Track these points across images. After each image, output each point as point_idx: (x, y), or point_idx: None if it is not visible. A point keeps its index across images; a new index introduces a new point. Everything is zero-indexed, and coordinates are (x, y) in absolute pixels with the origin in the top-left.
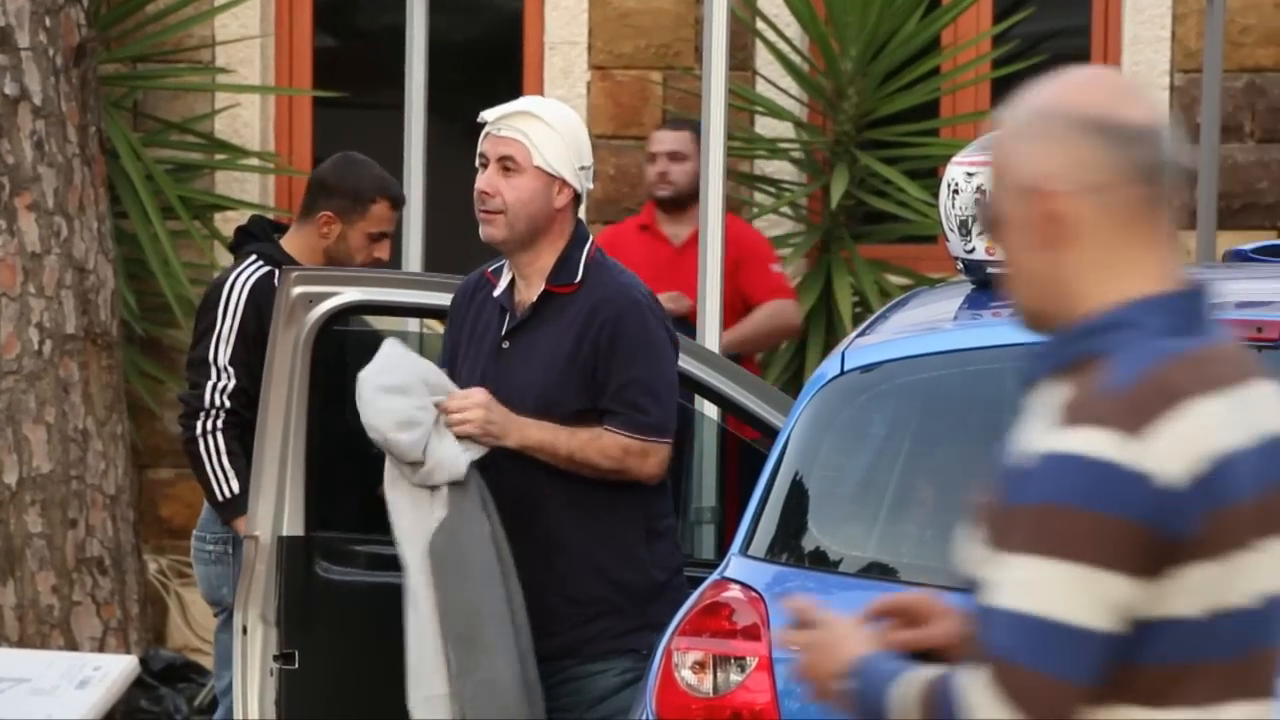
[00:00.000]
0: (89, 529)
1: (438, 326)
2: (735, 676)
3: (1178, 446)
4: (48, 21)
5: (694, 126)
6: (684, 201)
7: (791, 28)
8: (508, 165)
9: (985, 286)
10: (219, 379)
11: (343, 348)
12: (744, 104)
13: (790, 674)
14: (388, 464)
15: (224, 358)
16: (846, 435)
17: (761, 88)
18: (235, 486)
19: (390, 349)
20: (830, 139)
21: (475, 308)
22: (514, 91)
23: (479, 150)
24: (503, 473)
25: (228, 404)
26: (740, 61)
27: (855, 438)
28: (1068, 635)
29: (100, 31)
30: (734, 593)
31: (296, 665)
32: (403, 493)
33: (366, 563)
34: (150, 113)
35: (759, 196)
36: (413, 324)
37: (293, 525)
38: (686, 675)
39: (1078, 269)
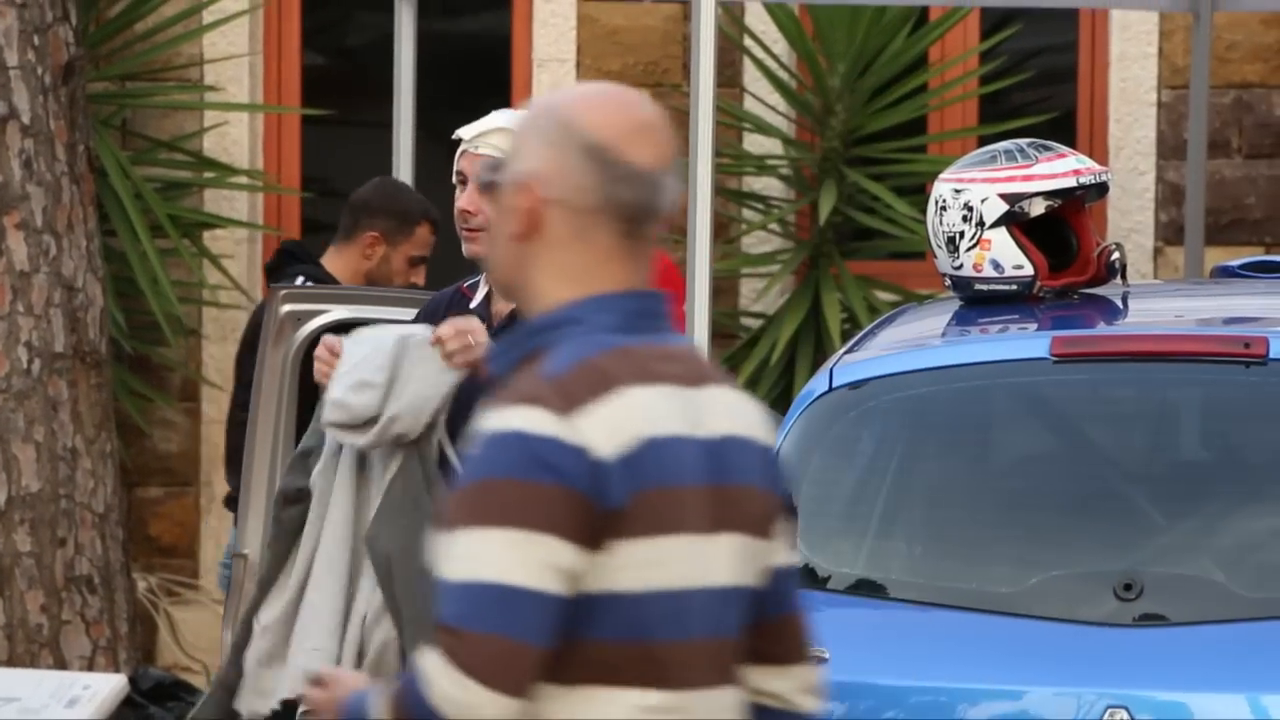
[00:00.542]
0: (78, 547)
1: None
2: None
3: (607, 426)
4: (36, 40)
5: None
6: None
7: (779, 45)
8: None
9: (973, 303)
10: None
11: None
12: (732, 121)
13: None
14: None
15: None
16: (835, 452)
17: (749, 104)
18: None
19: (349, 348)
20: (818, 155)
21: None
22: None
23: (456, 168)
24: None
25: None
26: (728, 78)
27: (843, 454)
28: (515, 597)
29: (89, 50)
30: None
31: None
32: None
33: None
34: (139, 131)
35: (747, 213)
36: None
37: None
38: None
39: (544, 267)
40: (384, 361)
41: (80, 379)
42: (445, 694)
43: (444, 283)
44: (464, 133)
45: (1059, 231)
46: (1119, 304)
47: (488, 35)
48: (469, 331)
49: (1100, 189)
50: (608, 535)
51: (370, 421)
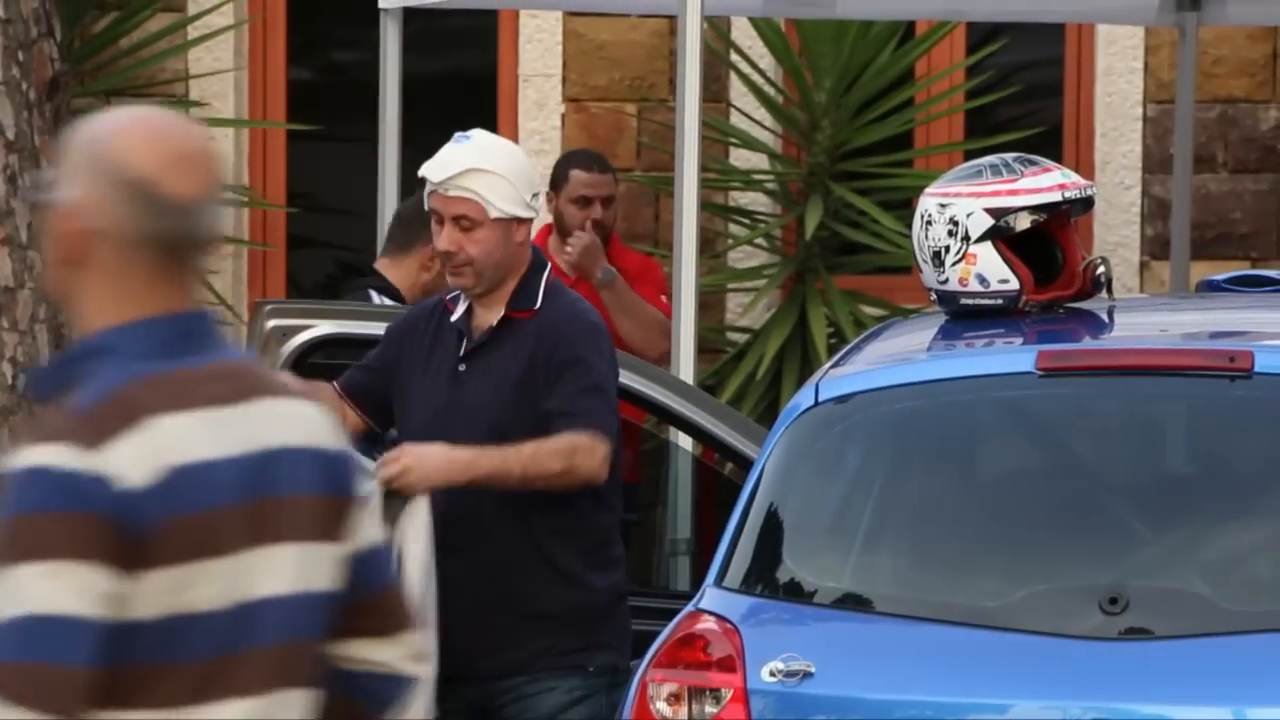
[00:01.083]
0: None
1: None
2: (710, 709)
3: (134, 457)
4: (20, 56)
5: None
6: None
7: (765, 59)
8: (463, 223)
9: (959, 317)
10: None
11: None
12: (718, 136)
13: (765, 707)
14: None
15: None
16: (821, 466)
17: (736, 119)
18: None
19: None
20: (804, 170)
21: (431, 332)
22: (488, 125)
23: (429, 204)
24: (452, 491)
25: None
26: (714, 93)
27: (830, 469)
28: (54, 625)
29: (74, 65)
30: (709, 624)
31: None
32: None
33: None
34: None
35: (733, 228)
36: None
37: None
38: (662, 707)
39: (88, 292)
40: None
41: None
42: None
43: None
44: (430, 174)
45: (1044, 246)
46: (1104, 318)
47: (474, 50)
48: (399, 464)
49: (1086, 203)
50: (139, 564)
51: None
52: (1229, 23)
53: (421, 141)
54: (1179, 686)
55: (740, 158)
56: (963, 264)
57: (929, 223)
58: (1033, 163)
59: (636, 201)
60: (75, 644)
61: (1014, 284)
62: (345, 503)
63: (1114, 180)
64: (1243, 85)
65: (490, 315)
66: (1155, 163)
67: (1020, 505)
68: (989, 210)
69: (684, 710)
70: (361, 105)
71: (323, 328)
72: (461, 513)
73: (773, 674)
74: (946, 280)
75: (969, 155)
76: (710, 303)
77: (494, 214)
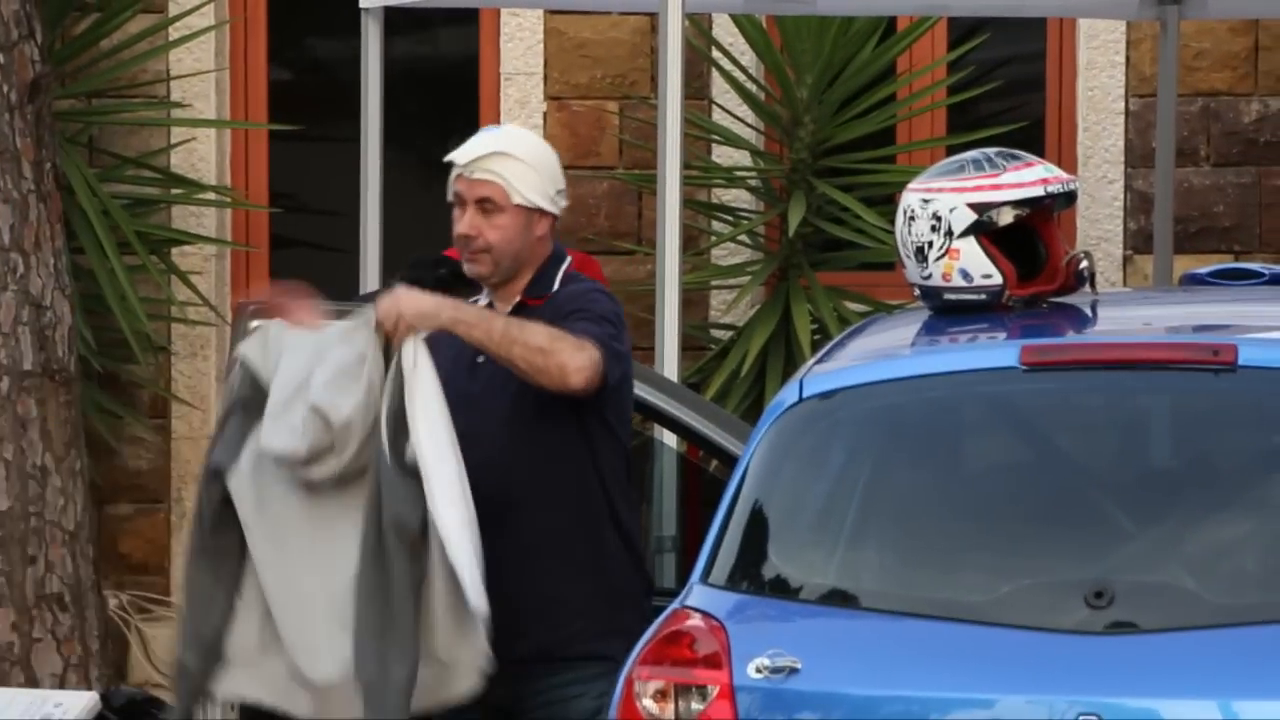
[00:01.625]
0: (48, 565)
1: None
2: (696, 705)
3: None
4: (1, 58)
5: None
6: None
7: (747, 56)
8: (486, 206)
9: (942, 312)
10: None
11: None
12: (700, 133)
13: (752, 703)
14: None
15: None
16: (805, 462)
17: (718, 116)
18: None
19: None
20: (787, 167)
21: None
22: (470, 123)
23: (453, 189)
24: (479, 471)
25: None
26: (696, 90)
27: (814, 465)
28: None
29: (55, 67)
30: (695, 621)
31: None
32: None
33: None
34: (106, 148)
35: (716, 225)
36: None
37: None
38: (648, 704)
39: None
40: (289, 393)
41: (49, 397)
42: None
43: None
44: (457, 157)
45: (1027, 240)
46: (1088, 312)
47: (455, 49)
48: (391, 312)
49: (1068, 198)
50: None
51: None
52: (1210, 16)
53: (403, 141)
54: (1165, 680)
55: (723, 155)
56: (946, 259)
57: (912, 218)
58: (1015, 157)
59: (619, 199)
60: None
61: (997, 279)
62: None
63: (1096, 174)
64: (1224, 78)
65: (505, 306)
66: (1137, 157)
67: (1005, 500)
68: (972, 205)
69: (670, 707)
70: (343, 105)
71: None
72: (488, 493)
73: (759, 670)
74: (930, 275)
75: (951, 151)
76: (694, 300)
77: (517, 199)
